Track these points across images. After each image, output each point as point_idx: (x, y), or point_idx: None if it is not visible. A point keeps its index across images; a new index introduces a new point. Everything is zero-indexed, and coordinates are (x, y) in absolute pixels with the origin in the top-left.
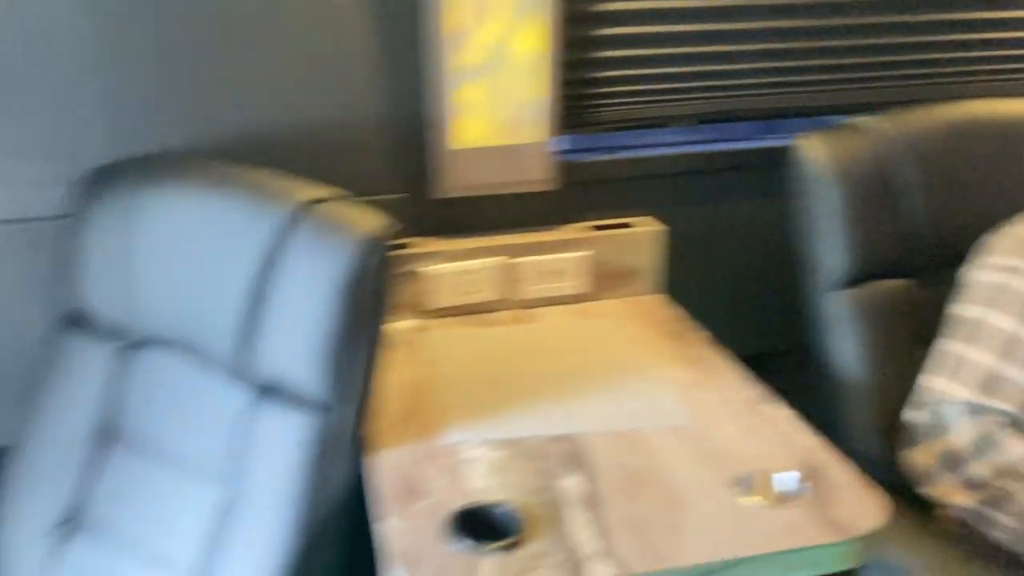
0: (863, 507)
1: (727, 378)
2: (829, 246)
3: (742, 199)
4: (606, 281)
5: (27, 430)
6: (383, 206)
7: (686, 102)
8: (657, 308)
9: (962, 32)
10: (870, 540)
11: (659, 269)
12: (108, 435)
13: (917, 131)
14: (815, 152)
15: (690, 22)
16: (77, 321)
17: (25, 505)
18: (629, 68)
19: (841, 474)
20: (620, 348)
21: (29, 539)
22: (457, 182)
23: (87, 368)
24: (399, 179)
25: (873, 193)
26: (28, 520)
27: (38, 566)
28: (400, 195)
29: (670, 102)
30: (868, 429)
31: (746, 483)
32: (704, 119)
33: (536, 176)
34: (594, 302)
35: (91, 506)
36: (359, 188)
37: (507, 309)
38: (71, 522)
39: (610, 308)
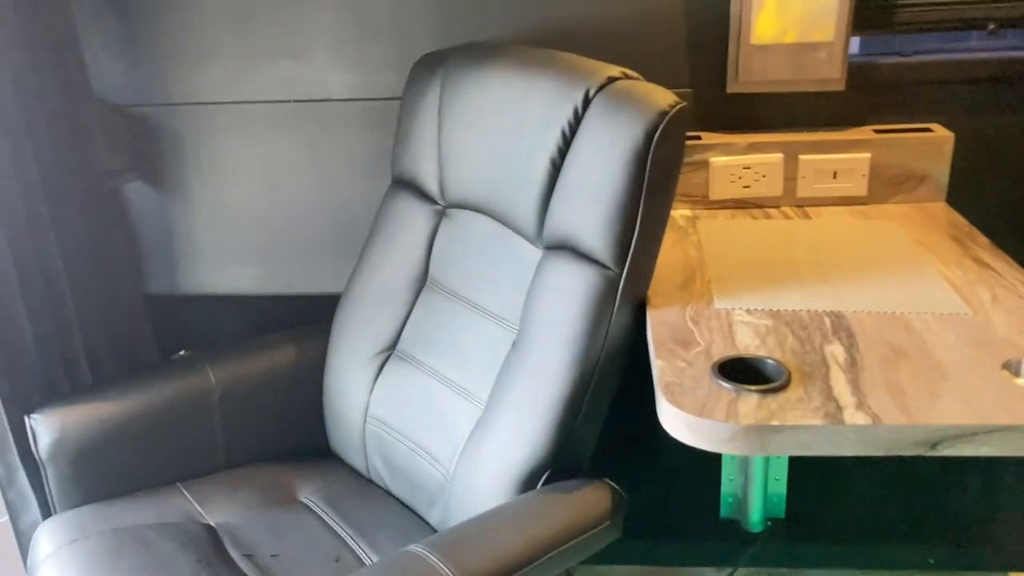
0: None
1: (1009, 279)
2: None
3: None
4: (887, 185)
5: (356, 277)
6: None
7: (987, 4)
8: (939, 214)
9: None
10: None
11: (944, 177)
12: (422, 281)
13: None
14: None
15: None
16: (403, 188)
17: (353, 337)
18: None
19: None
20: (898, 247)
21: (356, 364)
22: (753, 78)
23: (409, 227)
24: (696, 73)
25: None
26: (355, 349)
27: (364, 386)
28: (695, 89)
29: (968, 4)
30: None
31: (1016, 366)
32: (1006, 23)
33: (828, 75)
34: (873, 205)
35: (405, 339)
36: (657, 80)
37: (785, 206)
38: (389, 351)
39: (890, 211)
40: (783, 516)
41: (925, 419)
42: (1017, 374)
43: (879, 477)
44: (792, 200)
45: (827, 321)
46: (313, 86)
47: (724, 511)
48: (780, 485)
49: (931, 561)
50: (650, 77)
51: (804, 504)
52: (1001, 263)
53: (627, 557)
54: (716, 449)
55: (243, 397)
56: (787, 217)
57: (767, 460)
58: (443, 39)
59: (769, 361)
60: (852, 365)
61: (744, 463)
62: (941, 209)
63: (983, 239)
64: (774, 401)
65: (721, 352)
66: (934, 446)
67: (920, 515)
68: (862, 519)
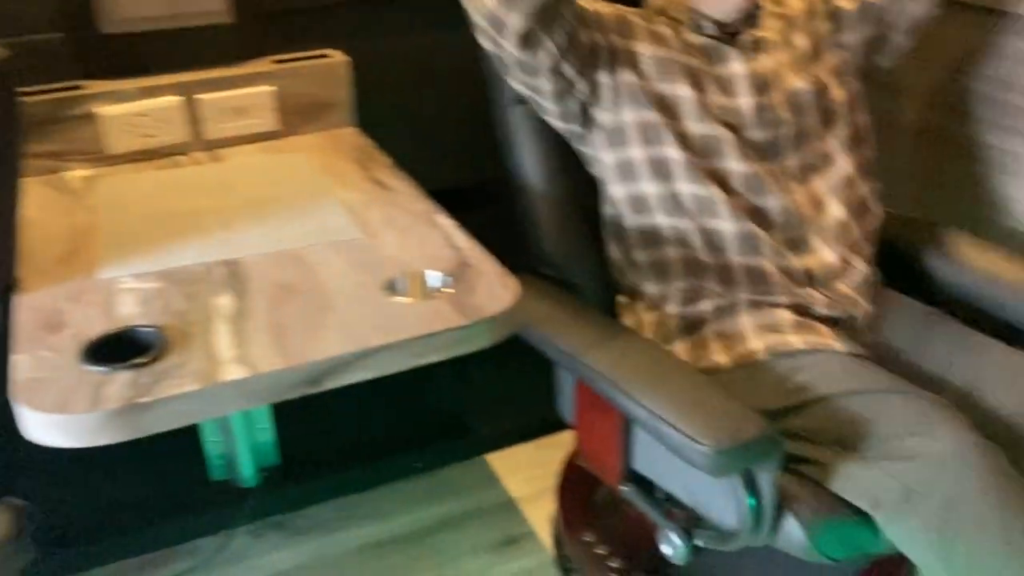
0: (499, 294)
1: (401, 196)
2: None
3: (430, 29)
4: (297, 116)
5: None
6: (40, 47)
7: None
8: (348, 139)
9: None
10: (507, 321)
11: (349, 102)
12: None
13: None
14: None
15: None
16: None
17: None
18: None
19: (487, 267)
20: (304, 179)
21: None
22: (126, 15)
23: None
24: (57, 15)
25: None
26: None
27: None
28: (58, 33)
29: None
30: (553, 232)
31: (396, 284)
32: None
33: (210, 7)
34: (287, 139)
35: None
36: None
37: (195, 151)
38: None
39: (301, 143)
40: (278, 462)
41: (305, 357)
42: (394, 292)
43: (362, 394)
44: (202, 144)
45: (220, 272)
46: None
47: (214, 473)
48: (267, 433)
49: (419, 465)
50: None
51: (298, 444)
52: (397, 181)
53: (105, 556)
54: (88, 443)
55: None
56: (198, 163)
57: (247, 412)
58: None
59: (143, 330)
60: (240, 315)
61: (223, 421)
62: (350, 134)
63: (384, 158)
64: (149, 374)
65: (96, 330)
66: (317, 382)
67: (403, 423)
68: (353, 442)
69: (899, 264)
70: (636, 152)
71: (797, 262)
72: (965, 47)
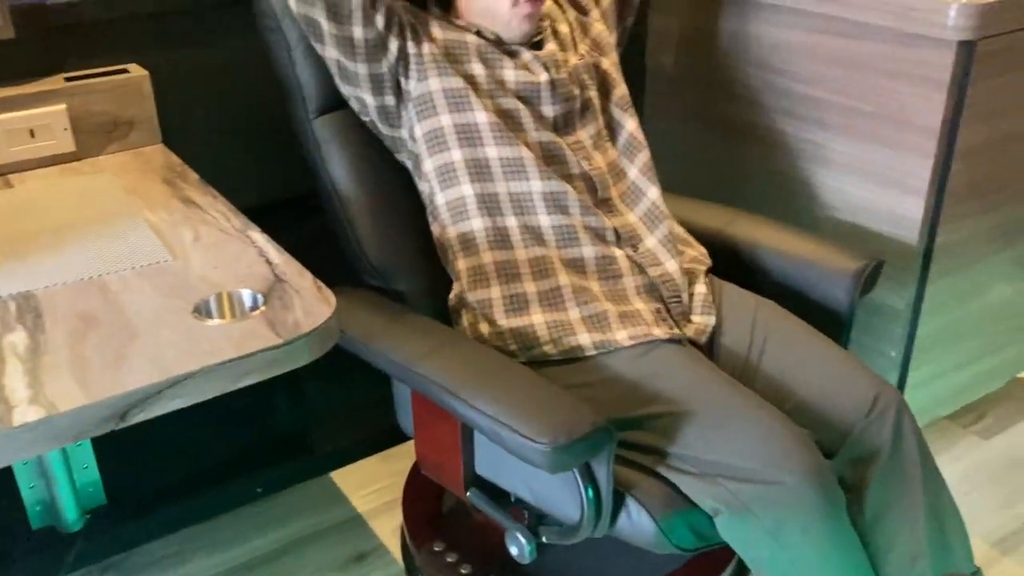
0: (316, 308)
1: (212, 214)
2: (305, 74)
3: (236, 38)
4: (96, 135)
5: None
6: None
7: None
8: (154, 157)
9: None
10: (325, 336)
11: (152, 118)
12: None
13: None
14: None
15: None
16: None
17: None
18: None
19: (303, 282)
20: (108, 202)
21: None
22: None
23: None
24: None
25: None
26: None
27: None
28: None
29: None
30: (374, 242)
31: (207, 306)
32: None
33: None
34: (87, 160)
35: None
36: None
37: None
38: None
39: (104, 164)
40: (105, 502)
41: (108, 391)
42: (205, 314)
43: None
44: None
45: (13, 306)
46: None
47: (35, 521)
48: (89, 472)
49: (259, 490)
50: None
51: (125, 480)
52: (207, 198)
53: None
54: None
55: None
56: None
57: (65, 452)
58: None
59: None
60: (35, 352)
61: (41, 464)
62: (158, 151)
63: (193, 175)
64: None
65: None
66: (124, 416)
67: (240, 448)
68: (188, 472)
69: (714, 252)
70: (445, 119)
71: (606, 221)
72: (758, 41)
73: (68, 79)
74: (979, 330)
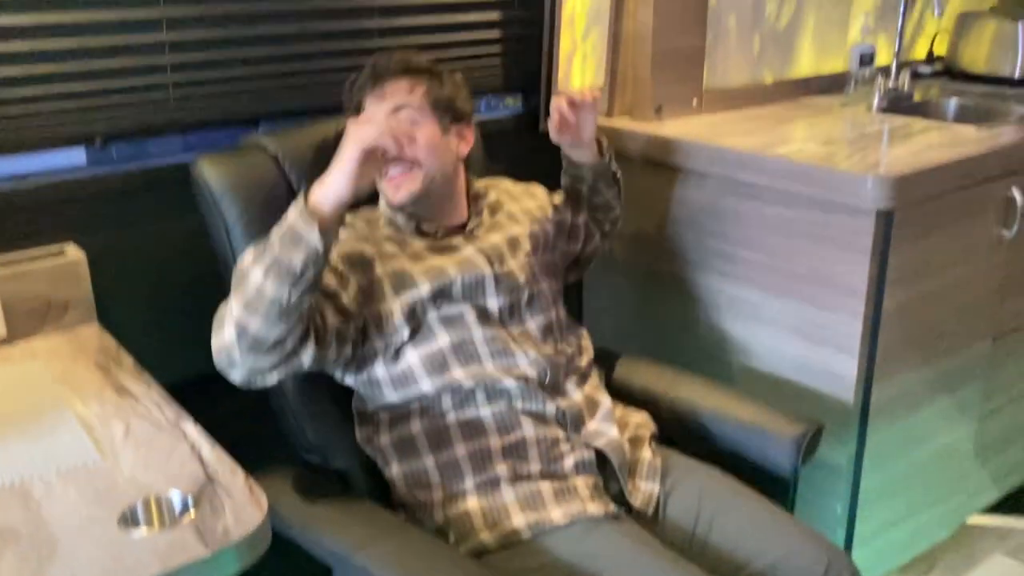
0: (247, 514)
1: (145, 404)
2: (242, 248)
3: (168, 219)
4: (29, 319)
5: None
6: None
7: (89, 119)
8: (89, 340)
9: (350, 40)
10: (256, 543)
11: (88, 299)
12: None
13: (304, 145)
14: (213, 169)
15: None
16: None
17: None
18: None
19: (235, 482)
20: (36, 392)
21: None
22: None
23: None
24: None
25: (276, 204)
26: None
27: None
28: None
29: (71, 121)
30: (309, 418)
31: (134, 515)
32: (112, 137)
33: None
34: (19, 344)
35: None
36: None
37: None
38: None
39: (37, 348)
40: None
41: None
42: (131, 524)
43: None
44: None
45: None
46: None
47: None
48: None
49: None
50: None
51: None
52: (141, 386)
53: None
54: None
55: None
56: None
57: None
58: None
59: None
60: None
61: None
62: (94, 334)
63: (128, 360)
64: None
65: None
66: None
67: None
68: None
69: (658, 416)
70: (393, 303)
71: (551, 405)
72: (691, 206)
73: (1, 263)
74: (924, 480)
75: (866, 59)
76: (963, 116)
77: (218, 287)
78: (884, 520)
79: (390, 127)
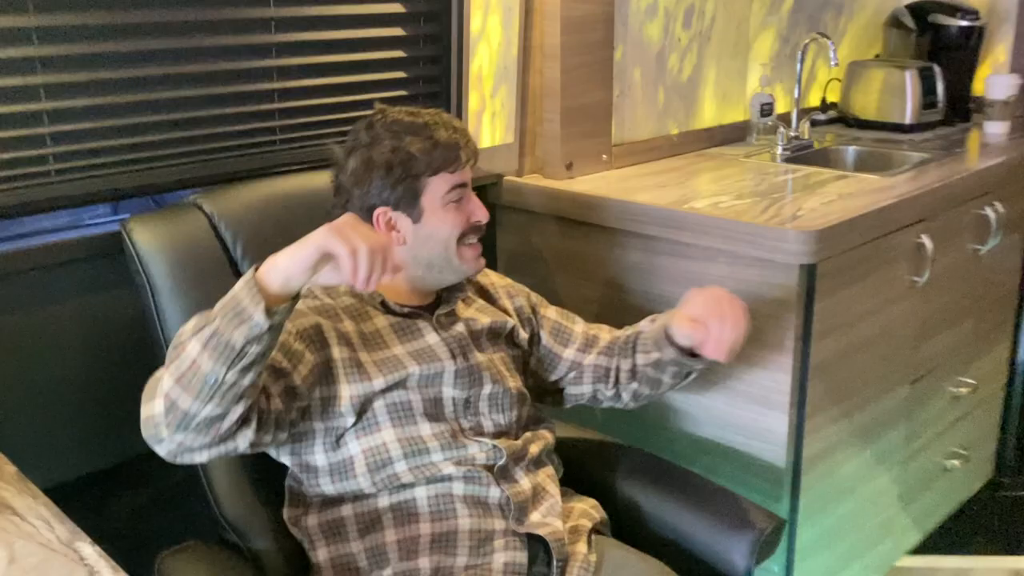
0: None
1: (32, 521)
2: (171, 316)
3: (65, 296)
4: None
5: None
6: None
7: None
8: None
9: (258, 103)
10: None
11: None
12: None
13: (240, 205)
14: (143, 230)
15: None
16: None
17: None
18: None
19: None
20: None
21: None
22: None
23: None
24: None
25: (210, 266)
26: None
27: None
28: None
29: None
30: (228, 497)
31: None
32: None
33: None
34: None
35: None
36: None
37: None
38: None
39: None
40: None
41: None
42: None
43: None
44: None
45: None
46: None
47: None
48: None
49: None
50: None
51: None
52: (26, 499)
53: None
54: None
55: None
56: None
57: None
58: None
59: None
60: None
61: None
62: None
63: (10, 469)
64: None
65: None
66: None
67: None
68: None
69: (603, 500)
70: (344, 389)
71: (495, 492)
72: (608, 262)
73: None
74: (854, 529)
75: (766, 109)
76: (862, 164)
77: (107, 375)
78: (820, 574)
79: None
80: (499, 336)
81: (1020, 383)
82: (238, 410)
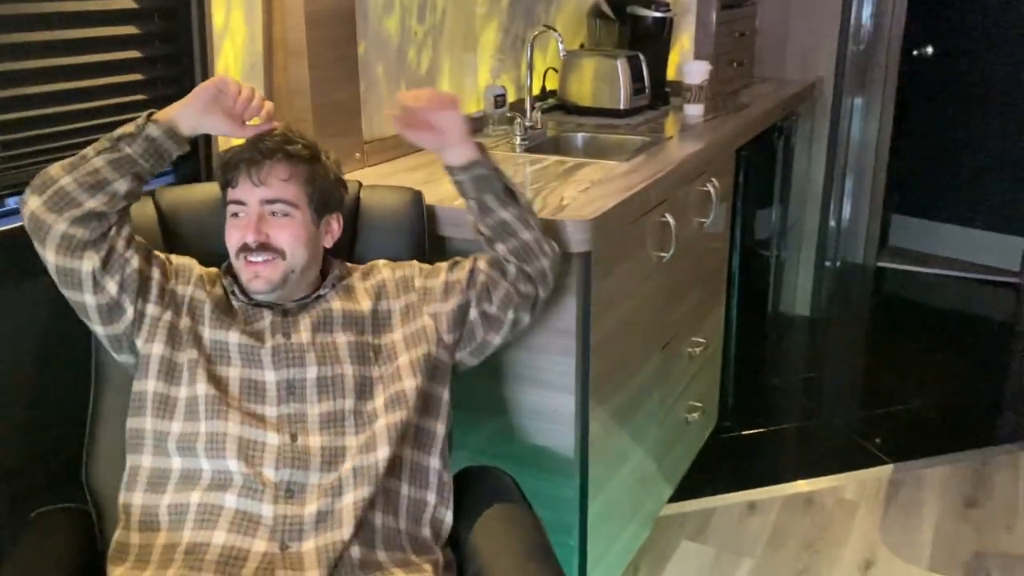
0: None
1: None
2: None
3: None
4: None
5: None
6: None
7: None
8: None
9: None
10: None
11: None
12: None
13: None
14: None
15: None
16: None
17: None
18: None
19: None
20: None
21: None
22: None
23: None
24: None
25: None
26: None
27: None
28: None
29: None
30: None
31: None
32: None
33: None
34: None
35: None
36: None
37: None
38: None
39: None
40: None
41: None
42: None
43: None
44: None
45: None
46: None
47: None
48: None
49: None
50: None
51: None
52: None
53: None
54: None
55: None
56: None
57: None
58: None
59: None
60: None
61: None
62: None
63: None
64: None
65: None
66: None
67: None
68: None
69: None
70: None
71: (268, 509)
72: None
73: None
74: (629, 493)
75: (499, 100)
76: (592, 150)
77: None
78: (607, 541)
79: (259, 215)
80: (364, 320)
81: (733, 337)
82: (104, 222)
